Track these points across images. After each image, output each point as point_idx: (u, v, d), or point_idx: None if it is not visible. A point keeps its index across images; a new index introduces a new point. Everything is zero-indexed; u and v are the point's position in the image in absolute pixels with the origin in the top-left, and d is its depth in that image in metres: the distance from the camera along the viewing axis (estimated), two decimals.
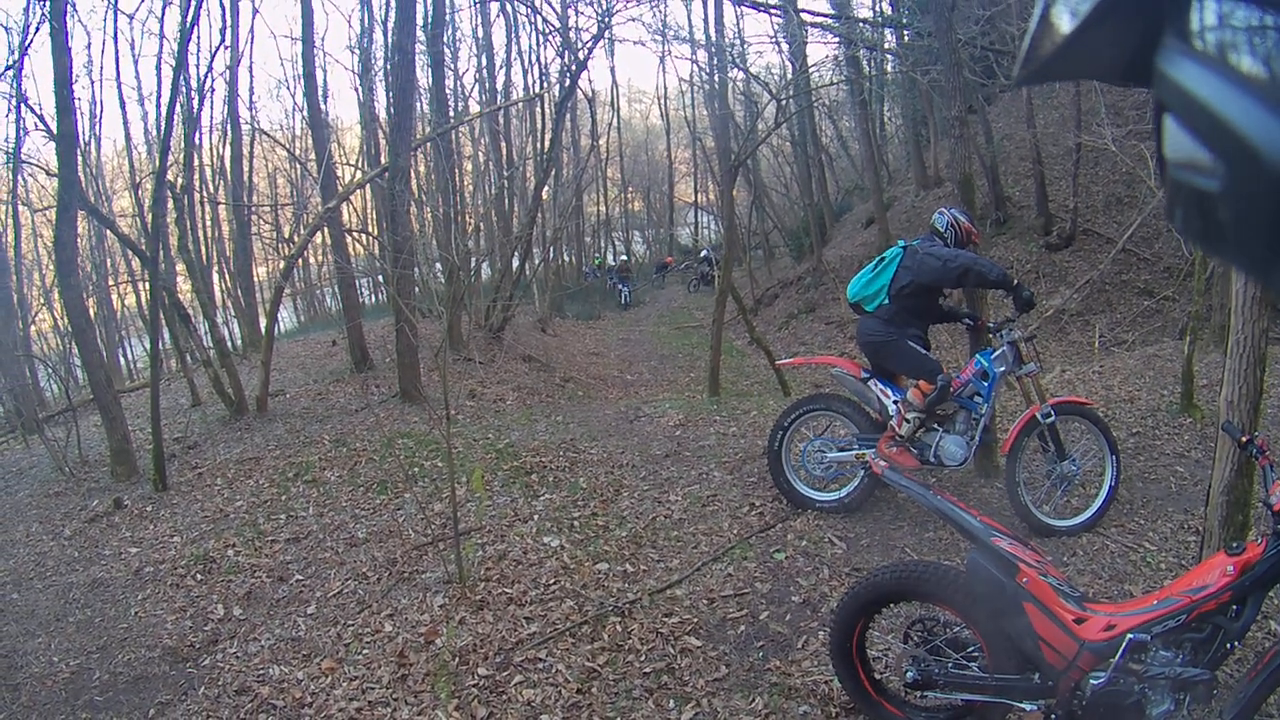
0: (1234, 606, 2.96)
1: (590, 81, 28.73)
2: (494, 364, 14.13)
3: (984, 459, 6.23)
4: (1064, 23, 0.58)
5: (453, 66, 20.80)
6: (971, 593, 3.23)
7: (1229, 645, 2.97)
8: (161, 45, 16.63)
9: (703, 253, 30.86)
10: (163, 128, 10.51)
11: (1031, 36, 0.61)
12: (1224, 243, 0.53)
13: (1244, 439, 3.38)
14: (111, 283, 23.02)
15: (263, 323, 12.94)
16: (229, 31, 17.10)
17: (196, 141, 17.75)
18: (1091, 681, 3.03)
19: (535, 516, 6.33)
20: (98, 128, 21.87)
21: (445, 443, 5.79)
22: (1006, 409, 6.97)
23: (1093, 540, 5.38)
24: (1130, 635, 2.97)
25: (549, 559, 5.61)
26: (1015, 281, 5.54)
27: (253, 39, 22.24)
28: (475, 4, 22.59)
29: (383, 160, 13.80)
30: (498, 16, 23.17)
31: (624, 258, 32.10)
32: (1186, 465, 6.22)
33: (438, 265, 12.87)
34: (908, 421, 5.63)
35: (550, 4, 17.77)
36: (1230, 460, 4.16)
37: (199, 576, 6.17)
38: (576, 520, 6.22)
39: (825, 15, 21.57)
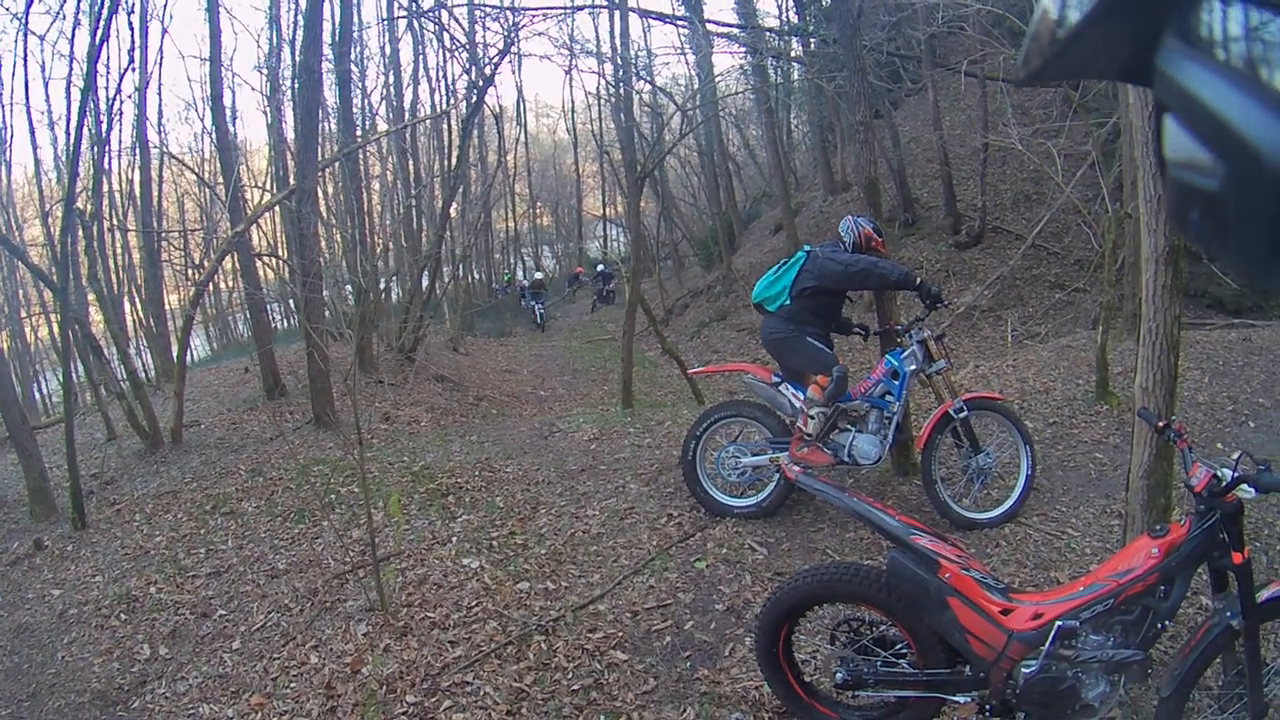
0: (1162, 587, 3.01)
1: (498, 97, 28.68)
2: (406, 385, 13.99)
3: (900, 457, 6.31)
4: (1064, 23, 0.57)
5: (360, 85, 20.47)
6: (894, 591, 3.22)
7: (1160, 625, 3.03)
8: (71, 67, 16.07)
9: (599, 267, 30.21)
10: (71, 151, 10.12)
11: (1031, 37, 0.61)
12: (1224, 243, 0.52)
13: (1161, 424, 3.42)
14: (24, 315, 22.32)
15: (175, 351, 12.56)
16: (137, 51, 16.57)
17: (105, 166, 17.28)
18: (1024, 670, 3.04)
19: (454, 538, 6.21)
20: (8, 154, 21.17)
21: (360, 468, 5.66)
22: (921, 406, 7.04)
23: (1016, 530, 5.44)
24: (1059, 622, 3.00)
25: (470, 580, 5.50)
26: (918, 280, 5.64)
27: (161, 60, 21.76)
28: (383, 21, 22.35)
29: (291, 182, 13.52)
30: (405, 32, 22.91)
31: (538, 275, 30.98)
32: (1105, 451, 6.34)
33: (348, 287, 12.61)
34: (813, 419, 5.64)
35: (457, 20, 17.61)
36: (1148, 445, 4.24)
37: (123, 616, 5.98)
38: (495, 540, 6.11)
39: (731, 25, 21.79)
